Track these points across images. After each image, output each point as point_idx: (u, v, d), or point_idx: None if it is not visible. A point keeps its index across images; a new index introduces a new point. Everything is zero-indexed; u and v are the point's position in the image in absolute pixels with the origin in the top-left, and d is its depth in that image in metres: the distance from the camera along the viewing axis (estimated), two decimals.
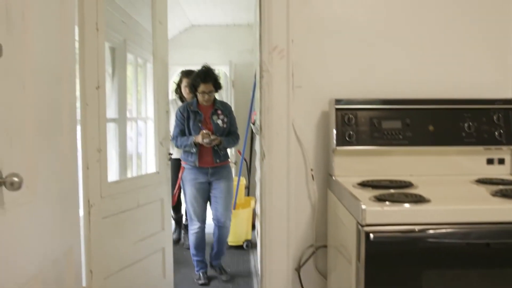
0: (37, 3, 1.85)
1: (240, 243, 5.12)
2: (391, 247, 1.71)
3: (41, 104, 1.89)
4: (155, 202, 3.18)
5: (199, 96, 4.02)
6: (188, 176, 4.06)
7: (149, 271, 3.15)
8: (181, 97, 4.93)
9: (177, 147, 4.11)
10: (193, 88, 4.06)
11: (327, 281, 2.45)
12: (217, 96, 4.32)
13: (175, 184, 4.49)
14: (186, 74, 4.82)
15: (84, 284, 2.56)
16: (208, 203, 4.19)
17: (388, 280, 1.74)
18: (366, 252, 1.70)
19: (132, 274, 2.98)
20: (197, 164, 3.98)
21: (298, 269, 2.47)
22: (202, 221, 4.12)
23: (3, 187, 1.58)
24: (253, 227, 5.52)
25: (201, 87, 3.98)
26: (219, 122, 4.03)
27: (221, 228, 4.13)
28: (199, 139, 3.87)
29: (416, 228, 1.70)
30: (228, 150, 4.27)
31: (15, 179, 1.56)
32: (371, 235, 1.66)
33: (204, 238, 4.17)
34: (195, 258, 4.20)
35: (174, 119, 4.12)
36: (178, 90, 4.98)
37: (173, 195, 4.09)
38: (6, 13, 1.62)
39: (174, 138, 4.04)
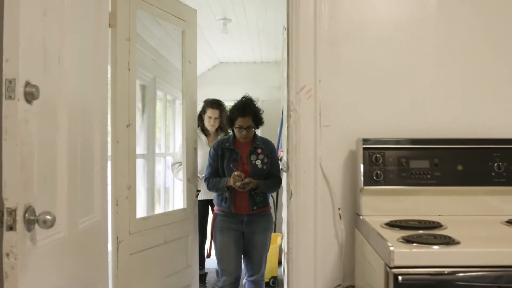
0: (73, 45, 1.92)
1: (267, 280, 5.07)
2: None
3: (74, 143, 1.94)
4: (182, 238, 3.19)
5: (236, 132, 3.52)
6: (219, 224, 3.55)
7: None
8: (203, 129, 4.61)
9: (209, 190, 3.65)
10: (229, 122, 3.60)
11: None
12: (258, 132, 3.96)
13: (202, 230, 4.24)
14: (210, 104, 4.57)
15: None
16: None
17: None
18: None
19: None
20: (232, 210, 3.50)
21: None
22: (235, 277, 3.51)
23: (36, 225, 1.62)
24: (279, 263, 5.48)
25: (239, 121, 3.47)
26: (258, 162, 3.52)
27: (252, 284, 3.63)
28: (231, 182, 3.41)
29: (446, 270, 1.67)
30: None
31: (48, 217, 1.60)
32: (400, 277, 1.64)
33: None
34: None
35: (207, 158, 3.73)
36: (199, 121, 4.53)
37: (209, 244, 3.65)
38: (44, 57, 1.69)
39: (206, 179, 3.61)
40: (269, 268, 5.07)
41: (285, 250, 3.88)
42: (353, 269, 2.42)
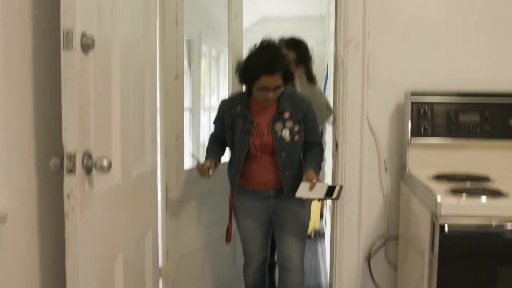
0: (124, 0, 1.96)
1: (308, 233, 5.13)
2: (466, 241, 1.69)
3: (126, 92, 2.01)
4: (227, 190, 3.26)
5: (257, 94, 2.45)
6: (238, 202, 2.68)
7: (220, 255, 3.25)
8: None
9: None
10: (246, 79, 2.49)
11: (398, 272, 2.45)
12: None
13: None
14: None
15: (160, 265, 2.69)
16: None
17: (461, 273, 1.73)
18: (440, 245, 1.69)
19: (205, 257, 3.09)
20: (246, 187, 2.62)
21: (368, 259, 2.49)
22: (260, 262, 2.75)
23: (93, 170, 1.70)
24: (321, 216, 5.55)
25: (263, 81, 2.38)
26: (285, 133, 2.46)
27: (290, 272, 2.58)
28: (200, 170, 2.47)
29: (493, 222, 1.67)
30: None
31: (104, 162, 1.67)
32: (446, 228, 1.66)
33: (265, 278, 2.84)
34: None
35: None
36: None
37: (228, 226, 2.80)
38: (98, 9, 1.74)
39: (209, 140, 2.81)
40: (311, 222, 5.13)
41: (329, 203, 3.92)
42: (397, 221, 2.44)
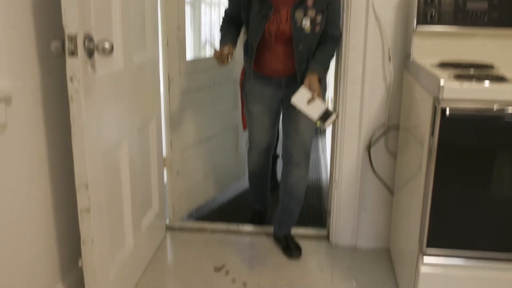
0: None
1: None
2: (467, 125, 1.71)
3: None
4: (230, 82, 3.26)
5: None
6: (247, 85, 2.55)
7: (223, 146, 3.32)
8: None
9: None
10: None
11: (397, 161, 2.51)
12: None
13: None
14: None
15: (164, 154, 2.75)
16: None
17: (460, 161, 1.76)
18: (440, 129, 1.71)
19: (208, 148, 3.15)
20: (258, 73, 2.49)
21: (368, 149, 2.54)
22: (265, 148, 2.68)
23: (95, 53, 1.69)
24: None
25: None
26: (306, 24, 2.27)
27: (294, 167, 2.52)
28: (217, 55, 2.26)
29: (495, 106, 1.68)
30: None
31: (106, 44, 1.65)
32: (447, 111, 1.67)
33: (268, 166, 2.83)
34: (252, 190, 2.97)
35: None
36: None
37: (242, 114, 2.88)
38: None
39: (222, 19, 2.53)
40: None
41: (330, 95, 3.93)
42: (399, 111, 2.46)
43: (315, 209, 3.22)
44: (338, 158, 2.59)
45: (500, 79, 1.74)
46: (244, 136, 3.52)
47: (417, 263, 1.91)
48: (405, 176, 2.25)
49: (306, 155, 2.50)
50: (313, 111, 2.17)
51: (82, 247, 1.79)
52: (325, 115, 2.17)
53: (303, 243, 2.67)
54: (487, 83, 1.69)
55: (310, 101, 2.17)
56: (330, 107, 2.82)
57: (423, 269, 1.87)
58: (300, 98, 2.18)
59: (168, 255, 2.63)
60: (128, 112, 2.10)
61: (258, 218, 2.99)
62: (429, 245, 1.87)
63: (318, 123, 2.24)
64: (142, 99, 2.28)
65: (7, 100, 1.57)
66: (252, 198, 3.01)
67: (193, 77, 2.89)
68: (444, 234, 1.84)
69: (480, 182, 1.78)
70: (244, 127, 2.74)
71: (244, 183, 3.60)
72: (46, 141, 1.78)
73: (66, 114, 1.79)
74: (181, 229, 2.88)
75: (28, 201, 1.69)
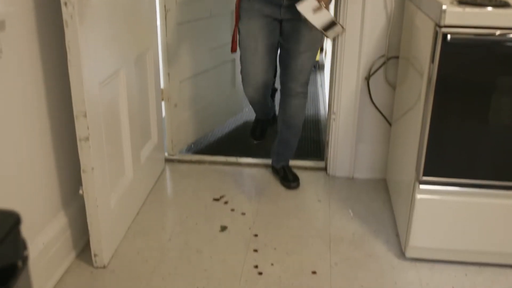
0: None
1: None
2: (468, 50, 1.69)
3: None
4: (227, 13, 3.19)
5: None
6: (245, 5, 2.37)
7: (219, 79, 3.29)
8: None
9: None
10: None
11: (395, 92, 2.50)
12: None
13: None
14: None
15: (162, 86, 2.73)
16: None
17: (460, 87, 1.75)
18: (441, 55, 1.69)
19: (205, 81, 3.13)
20: None
21: (367, 78, 2.52)
22: (262, 83, 2.48)
23: None
24: (321, 49, 5.52)
25: None
26: None
27: (292, 98, 2.48)
28: None
29: (497, 32, 1.66)
30: None
31: None
32: (449, 36, 1.65)
33: (267, 96, 2.67)
34: (253, 108, 2.84)
35: None
36: None
37: (233, 36, 2.50)
38: None
39: None
40: None
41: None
42: (399, 42, 2.43)
43: (313, 142, 3.24)
44: (337, 90, 2.58)
45: (503, 4, 1.70)
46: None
47: (413, 191, 1.94)
48: (403, 107, 2.25)
49: (304, 85, 2.47)
50: (318, 19, 2.06)
51: (82, 175, 1.81)
52: (330, 25, 2.07)
53: (301, 175, 2.70)
54: (489, 8, 1.66)
55: (316, 10, 2.05)
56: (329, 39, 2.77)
57: (419, 196, 1.90)
58: (305, 7, 2.06)
59: (168, 186, 2.66)
60: (125, 41, 2.07)
61: (260, 129, 3.05)
62: (426, 174, 1.89)
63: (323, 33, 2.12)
64: (139, 29, 2.24)
65: (1, 25, 1.54)
66: (254, 111, 2.95)
67: (190, 7, 2.83)
68: (441, 163, 1.86)
69: (479, 112, 1.78)
70: (234, 50, 2.48)
71: (242, 117, 3.60)
72: (42, 68, 1.75)
73: (61, 41, 1.76)
74: (180, 162, 2.90)
75: (25, 129, 1.69)
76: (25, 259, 0.61)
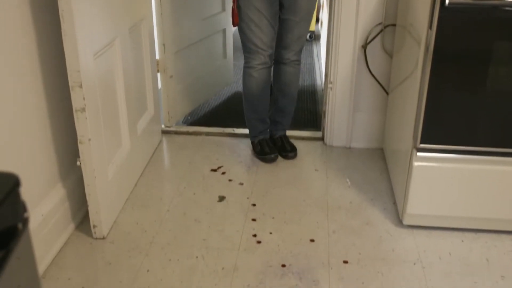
0: None
1: None
2: (466, 16, 1.67)
3: None
4: None
5: None
6: None
7: (212, 50, 3.28)
8: None
9: None
10: None
11: (392, 60, 2.49)
12: None
13: None
14: None
15: (157, 57, 2.71)
16: None
17: (457, 54, 1.74)
18: (439, 21, 1.68)
19: (198, 51, 3.11)
20: None
21: (364, 47, 2.50)
22: (269, 55, 2.44)
23: None
24: (317, 20, 5.47)
25: None
26: None
27: (286, 66, 2.52)
28: None
29: None
30: None
31: None
32: (447, 1, 1.63)
33: (270, 83, 2.56)
34: (251, 117, 2.62)
35: None
36: None
37: (232, 9, 2.41)
38: None
39: None
40: None
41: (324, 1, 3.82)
42: (396, 10, 2.40)
43: (310, 113, 3.24)
44: (334, 59, 2.56)
45: None
46: (231, 40, 3.46)
47: (410, 159, 1.94)
48: (401, 75, 2.24)
49: (298, 53, 2.51)
50: None
51: (80, 146, 1.80)
52: None
53: (298, 145, 2.70)
54: None
55: None
56: (325, 8, 2.74)
57: (416, 163, 1.91)
58: None
59: (165, 158, 2.66)
60: (119, 11, 2.04)
61: (266, 143, 2.63)
62: (423, 141, 1.89)
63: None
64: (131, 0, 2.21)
65: None
66: (252, 129, 2.65)
67: None
68: (438, 130, 1.86)
69: (477, 78, 1.77)
70: (236, 23, 2.39)
71: (234, 87, 3.60)
72: (37, 39, 1.73)
73: (55, 11, 1.73)
74: (177, 133, 2.90)
75: (21, 102, 1.67)
76: (25, 221, 0.61)
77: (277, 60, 2.53)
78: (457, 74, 1.78)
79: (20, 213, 0.60)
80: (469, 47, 1.73)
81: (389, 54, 2.51)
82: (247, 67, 2.48)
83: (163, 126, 2.90)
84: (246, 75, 2.50)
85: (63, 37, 1.64)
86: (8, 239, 0.56)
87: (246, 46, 2.43)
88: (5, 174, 0.57)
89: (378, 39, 2.48)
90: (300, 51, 2.51)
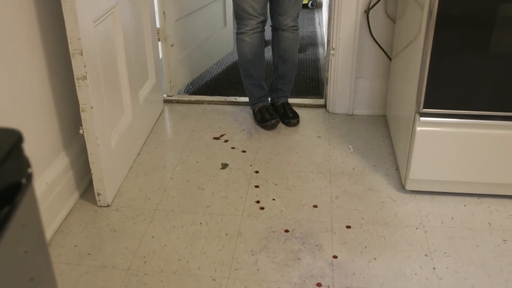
0: None
1: (305, 1, 5.03)
2: None
3: None
4: None
5: None
6: None
7: (211, 18, 3.25)
8: None
9: None
10: None
11: (395, 25, 2.46)
12: None
13: None
14: None
15: (158, 25, 2.68)
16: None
17: (460, 19, 1.72)
18: None
19: (198, 20, 3.08)
20: None
21: (367, 12, 2.47)
22: (261, 21, 2.45)
23: None
24: None
25: None
26: None
27: (285, 32, 2.51)
28: None
29: None
30: None
31: None
32: None
33: (263, 47, 2.56)
34: (248, 83, 2.63)
35: None
36: None
37: None
38: None
39: None
40: None
41: None
42: None
43: (312, 80, 3.22)
44: (336, 24, 2.53)
45: None
46: (230, 8, 3.43)
47: (413, 124, 1.93)
48: (404, 40, 2.21)
49: (296, 19, 2.51)
50: None
51: (82, 114, 1.80)
52: None
53: (300, 112, 2.69)
54: None
55: None
56: None
57: (419, 128, 1.91)
58: None
59: (167, 127, 2.66)
60: None
61: (266, 110, 2.61)
62: (426, 106, 1.88)
63: None
64: None
65: None
66: (251, 96, 2.65)
67: None
68: (441, 95, 1.85)
69: (480, 43, 1.76)
70: None
71: (235, 56, 3.57)
72: (35, 4, 1.71)
73: None
74: (179, 102, 2.89)
75: (22, 71, 1.67)
76: (29, 177, 0.61)
77: (275, 27, 2.54)
78: (460, 39, 1.76)
79: (24, 168, 0.60)
80: (472, 11, 1.71)
81: (392, 19, 2.48)
82: (239, 33, 2.49)
83: (165, 95, 2.90)
84: (238, 41, 2.51)
85: (62, 4, 1.62)
86: (13, 194, 0.56)
87: (237, 13, 2.45)
88: (7, 130, 0.57)
89: (380, 4, 2.45)
90: (297, 16, 2.51)
